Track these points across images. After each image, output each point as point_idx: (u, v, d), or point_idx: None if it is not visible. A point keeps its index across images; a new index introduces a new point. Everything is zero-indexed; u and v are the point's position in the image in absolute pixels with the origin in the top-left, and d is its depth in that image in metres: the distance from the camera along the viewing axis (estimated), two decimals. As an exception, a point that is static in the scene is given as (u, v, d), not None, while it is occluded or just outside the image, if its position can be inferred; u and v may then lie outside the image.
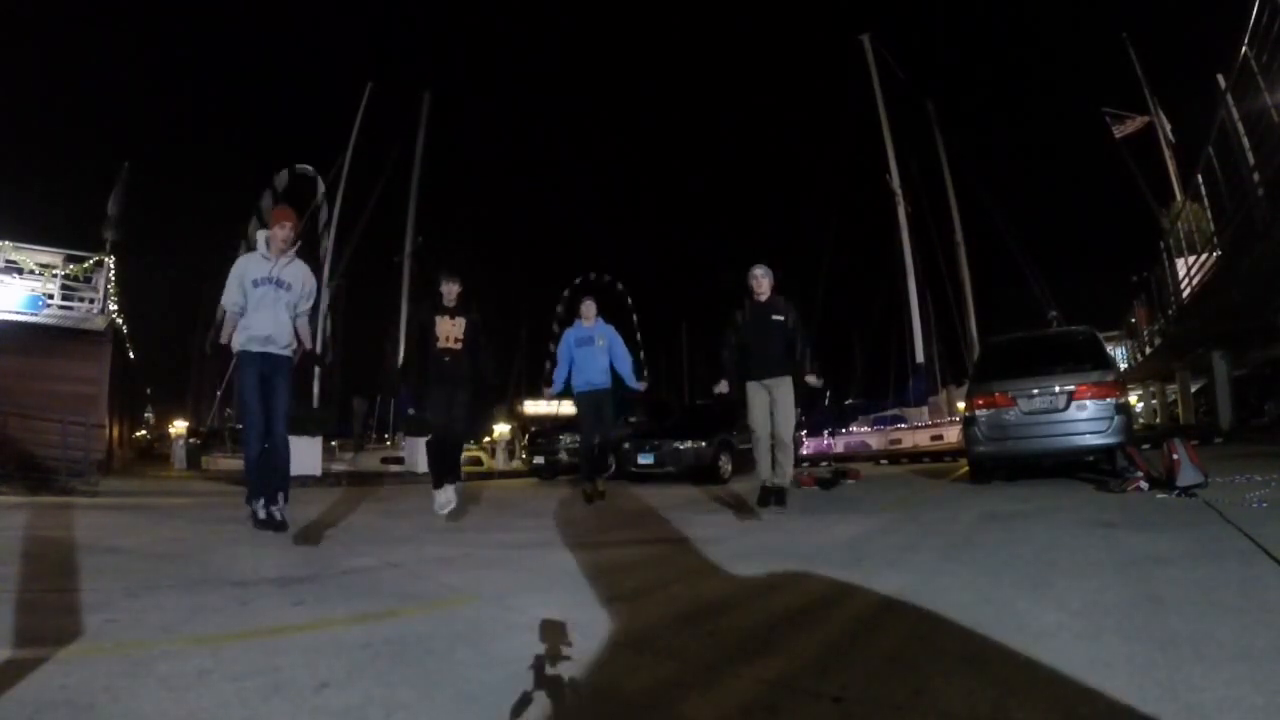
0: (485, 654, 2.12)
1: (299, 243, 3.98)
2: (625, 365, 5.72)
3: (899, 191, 24.48)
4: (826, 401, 25.82)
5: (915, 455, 17.57)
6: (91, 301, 12.51)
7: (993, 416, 7.06)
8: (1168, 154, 19.85)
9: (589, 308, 5.71)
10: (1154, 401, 27.96)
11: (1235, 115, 9.49)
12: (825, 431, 23.11)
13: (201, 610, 2.69)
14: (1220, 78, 10.67)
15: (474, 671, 1.96)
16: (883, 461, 16.49)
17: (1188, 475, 5.25)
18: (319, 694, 1.80)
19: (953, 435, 17.19)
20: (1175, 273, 14.47)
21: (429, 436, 5.16)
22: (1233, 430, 14.47)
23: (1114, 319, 23.33)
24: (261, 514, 3.66)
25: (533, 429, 20.71)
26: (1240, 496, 4.69)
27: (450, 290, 5.14)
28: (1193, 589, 2.48)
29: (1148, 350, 19.27)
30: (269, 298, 3.74)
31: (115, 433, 16.10)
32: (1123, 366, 19.12)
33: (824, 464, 13.84)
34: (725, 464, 10.39)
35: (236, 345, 3.76)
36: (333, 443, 20.08)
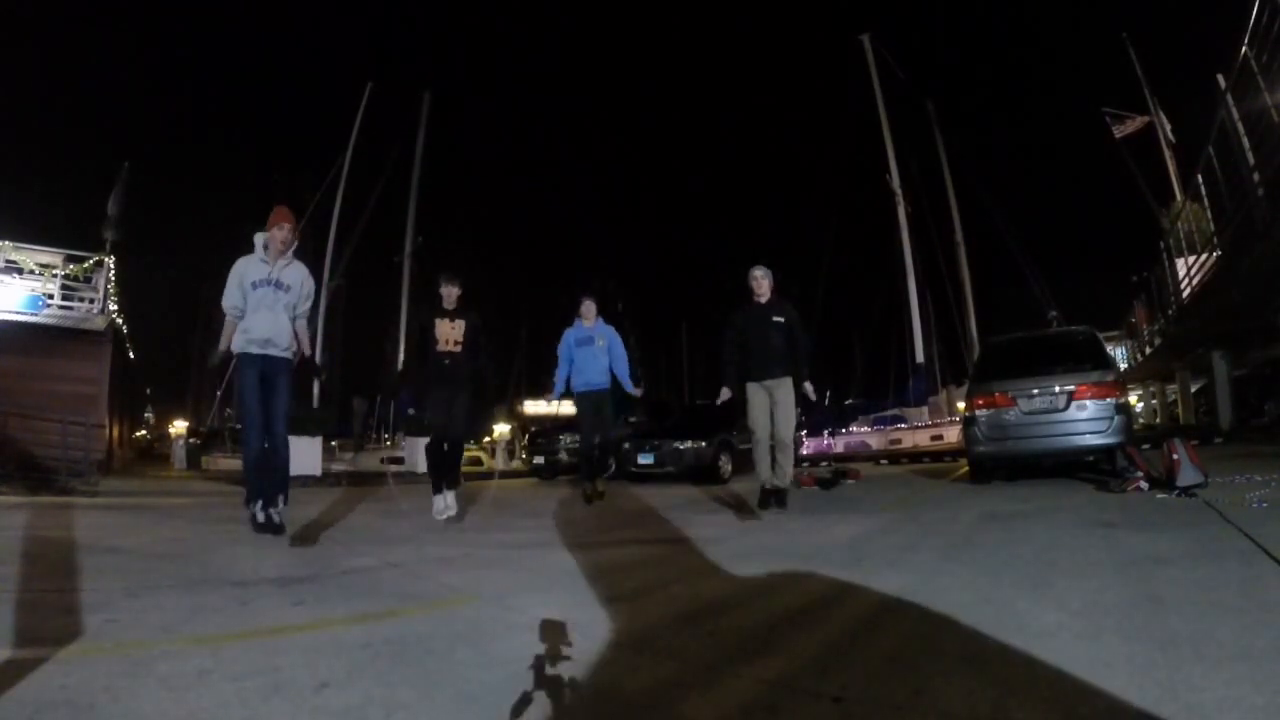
0: (485, 654, 2.12)
1: (295, 243, 3.95)
2: (623, 368, 5.71)
3: (899, 191, 24.49)
4: (826, 402, 25.82)
5: (915, 455, 17.57)
6: (91, 301, 12.51)
7: (993, 416, 7.06)
8: (1168, 154, 19.85)
9: (589, 308, 5.70)
10: (1154, 401, 27.95)
11: (1235, 115, 9.48)
12: (825, 431, 23.11)
13: (201, 610, 2.69)
14: (1220, 78, 10.67)
15: (474, 671, 1.96)
16: (883, 461, 16.50)
17: (1188, 475, 5.25)
18: (319, 694, 1.80)
19: (953, 435, 17.19)
20: (1175, 273, 14.47)
21: (429, 439, 5.15)
22: (1233, 430, 14.46)
23: (1114, 319, 23.36)
24: (260, 517, 3.65)
25: (533, 429, 20.72)
26: (1240, 496, 4.69)
27: (450, 293, 5.14)
28: (1193, 589, 2.48)
29: (1148, 350, 19.27)
30: (268, 299, 3.73)
31: (115, 433, 16.09)
32: (1123, 366, 19.12)
33: (824, 464, 13.84)
34: (725, 464, 10.38)
35: (236, 347, 3.74)
36: (333, 443, 20.08)
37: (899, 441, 20.57)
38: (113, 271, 12.75)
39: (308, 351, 4.05)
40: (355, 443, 23.19)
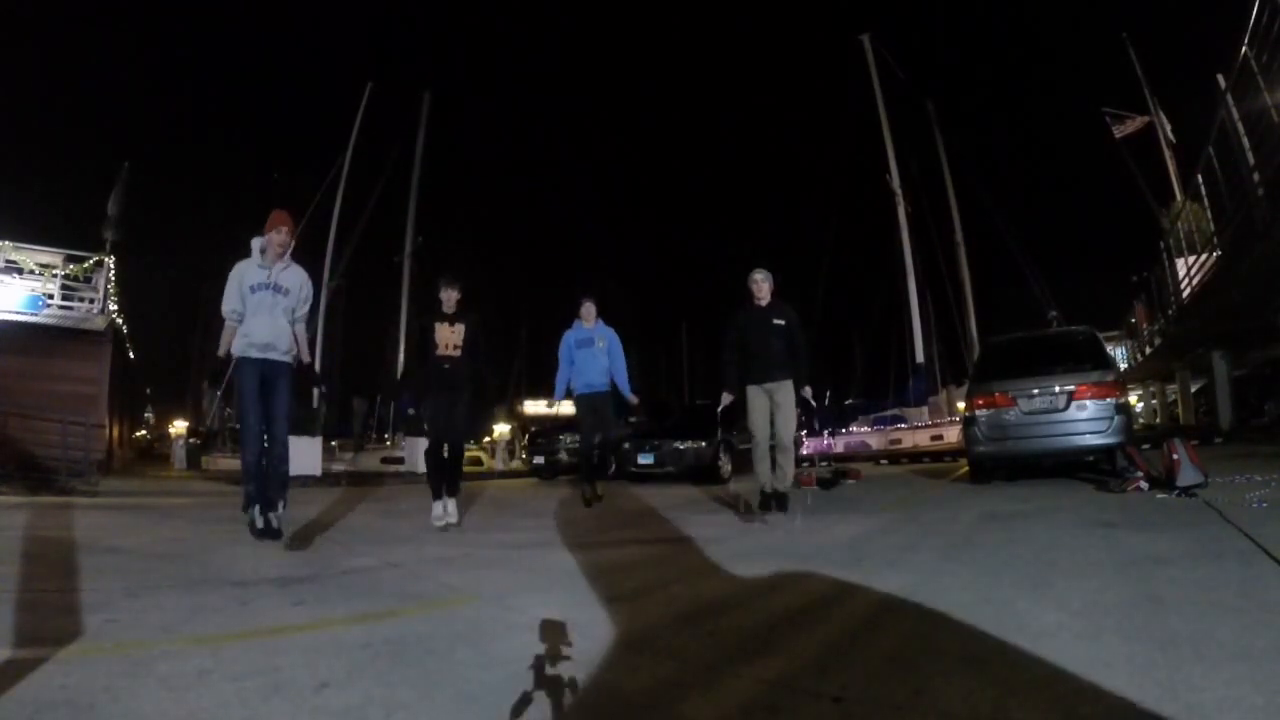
0: (485, 654, 2.12)
1: (292, 246, 3.93)
2: (621, 372, 5.69)
3: (899, 191, 24.48)
4: (826, 402, 25.81)
5: (915, 455, 17.58)
6: (91, 301, 12.51)
7: (993, 416, 7.06)
8: (1168, 154, 19.84)
9: (589, 309, 5.68)
10: (1154, 401, 27.95)
11: (1235, 115, 9.48)
12: (825, 431, 23.12)
13: (201, 610, 2.69)
14: (1220, 78, 10.67)
15: (474, 671, 1.96)
16: (883, 461, 16.52)
17: (1188, 475, 5.25)
18: (319, 694, 1.80)
19: (953, 435, 17.19)
20: (1175, 273, 14.47)
21: (428, 444, 5.12)
22: (1233, 430, 14.46)
23: (1114, 319, 23.35)
24: (260, 523, 3.63)
25: (533, 429, 20.70)
26: (1240, 496, 4.69)
27: (450, 296, 5.14)
28: (1193, 589, 2.49)
29: (1148, 350, 19.27)
30: (266, 303, 3.71)
31: (115, 433, 16.10)
32: (1123, 366, 19.12)
33: (824, 464, 13.84)
34: (725, 464, 10.38)
35: (236, 351, 3.72)
36: (333, 443, 20.08)
37: (899, 441, 20.56)
38: (113, 271, 12.75)
39: (307, 358, 4.03)
40: (355, 443, 23.20)
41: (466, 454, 6.16)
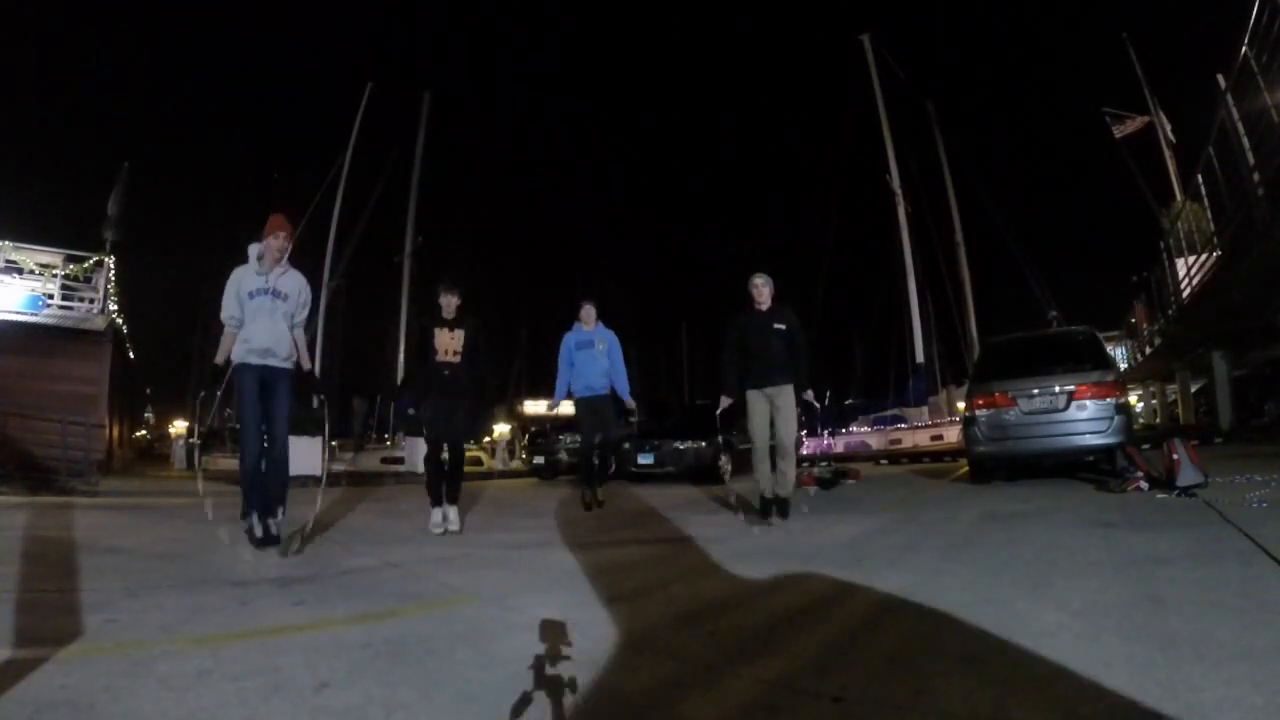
0: (485, 654, 2.12)
1: (289, 250, 3.90)
2: (620, 375, 5.66)
3: (899, 191, 24.47)
4: (826, 403, 25.80)
5: (915, 455, 17.57)
6: (91, 301, 12.50)
7: (993, 416, 7.06)
8: (1168, 154, 19.84)
9: (589, 312, 5.66)
10: (1154, 401, 27.94)
11: (1235, 115, 9.48)
12: (825, 431, 23.12)
13: (201, 610, 2.69)
14: (1220, 78, 10.67)
15: (474, 671, 1.96)
16: (883, 461, 16.51)
17: (1188, 475, 5.25)
18: (319, 694, 1.80)
19: (953, 435, 17.18)
20: (1175, 273, 14.46)
21: (427, 451, 5.10)
22: (1233, 430, 14.46)
23: (1114, 319, 23.34)
24: (259, 531, 3.60)
25: (533, 429, 20.70)
26: (1240, 496, 4.69)
27: (449, 302, 5.14)
28: (1193, 589, 2.48)
29: (1148, 350, 19.26)
30: (265, 308, 3.69)
31: (115, 433, 16.09)
32: (1123, 366, 19.11)
33: (824, 464, 13.84)
34: (725, 464, 10.37)
35: (236, 357, 3.70)
36: (333, 443, 20.07)
37: (899, 441, 20.56)
38: (113, 271, 12.74)
39: (308, 365, 4.00)
40: (355, 443, 23.19)
41: (466, 454, 6.12)
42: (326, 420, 4.66)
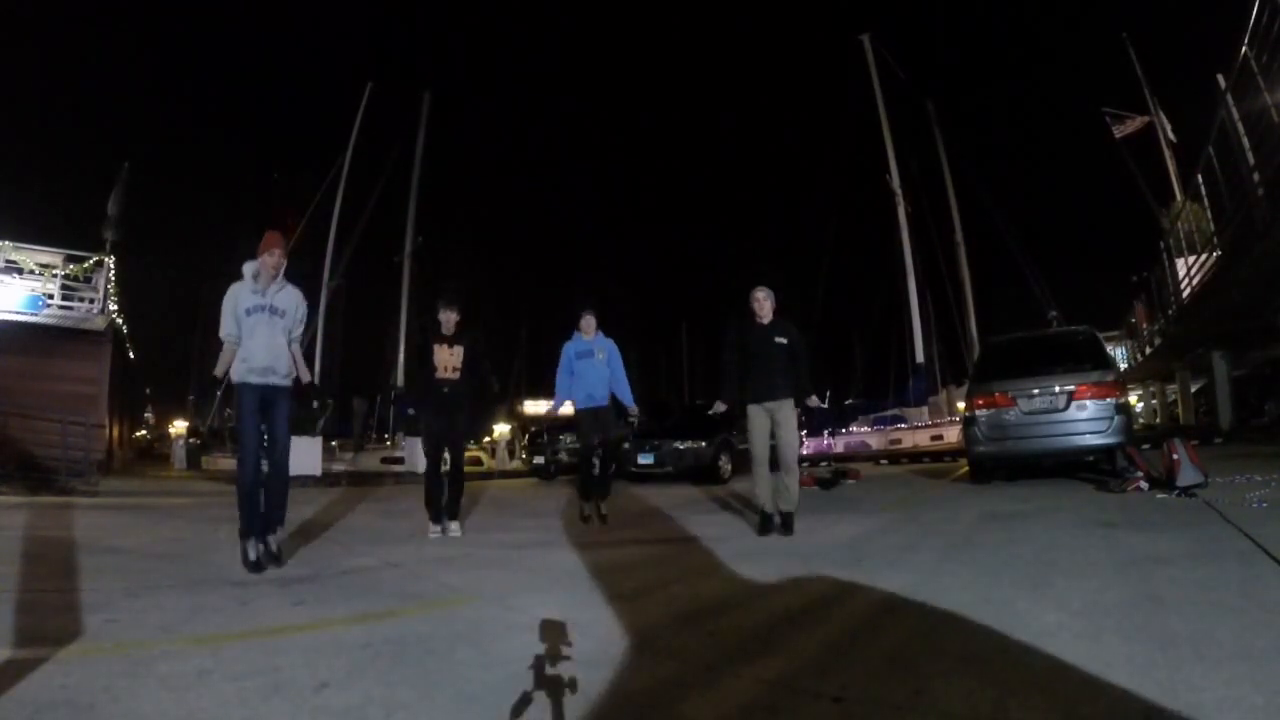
0: (485, 654, 2.12)
1: (284, 266, 3.91)
2: (621, 381, 5.65)
3: (899, 191, 24.44)
4: (826, 403, 25.81)
5: (915, 455, 17.56)
6: (91, 301, 12.49)
7: (993, 416, 7.06)
8: (1168, 154, 19.83)
9: (589, 321, 5.65)
10: (1154, 401, 27.91)
11: (1235, 115, 9.48)
12: (825, 431, 23.11)
13: (201, 610, 2.69)
14: (1220, 78, 10.66)
15: (474, 671, 1.96)
16: (883, 461, 16.50)
17: (1188, 475, 5.25)
18: (319, 694, 1.80)
19: (953, 435, 17.17)
20: (1175, 273, 14.45)
21: (426, 466, 5.10)
22: (1233, 430, 14.45)
23: (1114, 319, 23.31)
24: (252, 555, 3.56)
25: (533, 429, 20.68)
26: (1240, 496, 4.69)
27: (449, 318, 5.15)
28: (1193, 589, 2.49)
29: (1148, 350, 19.25)
30: (263, 324, 3.69)
31: (115, 433, 16.09)
32: (1123, 366, 19.10)
33: (824, 464, 13.84)
34: (725, 464, 10.39)
35: (236, 376, 3.71)
36: (333, 443, 20.07)
37: (899, 441, 20.54)
38: (113, 271, 12.74)
39: (306, 378, 4.00)
40: (355, 443, 23.19)
41: (466, 454, 6.10)
42: (323, 418, 4.66)
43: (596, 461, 5.66)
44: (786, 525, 4.53)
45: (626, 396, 5.68)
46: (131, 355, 17.31)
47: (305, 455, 13.10)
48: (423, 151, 26.11)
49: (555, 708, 1.69)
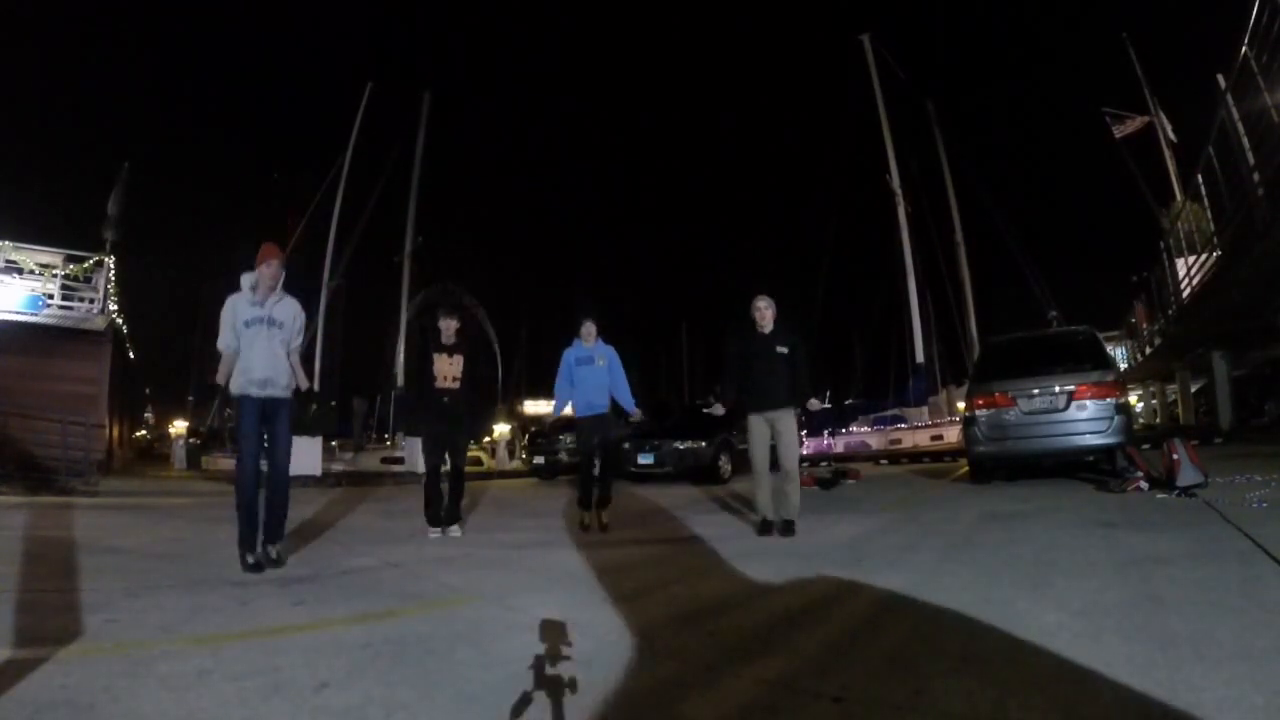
0: (485, 654, 2.12)
1: (282, 277, 3.91)
2: (622, 390, 5.65)
3: (899, 191, 24.44)
4: (826, 403, 25.79)
5: (915, 455, 17.55)
6: (91, 301, 12.49)
7: (993, 416, 7.05)
8: (1168, 154, 19.83)
9: (589, 329, 5.66)
10: (1154, 401, 27.91)
11: (1235, 115, 9.47)
12: (825, 431, 23.11)
13: (201, 610, 2.69)
14: (1220, 78, 10.66)
15: (474, 671, 1.96)
16: (883, 461, 16.49)
17: (1188, 475, 5.25)
18: (319, 694, 1.80)
19: (953, 435, 17.17)
20: (1175, 273, 14.45)
21: (425, 476, 5.10)
22: (1233, 430, 14.44)
23: (1114, 319, 23.30)
24: (250, 559, 3.55)
25: (533, 429, 20.68)
26: (1240, 496, 4.69)
27: (449, 326, 5.16)
28: (1193, 589, 2.49)
29: (1148, 350, 19.25)
30: (262, 336, 3.69)
31: (115, 433, 16.08)
32: (1123, 366, 19.10)
33: (824, 464, 13.83)
34: (725, 464, 10.38)
35: (236, 389, 3.71)
36: (333, 443, 20.08)
37: (899, 441, 20.54)
38: (113, 271, 12.74)
39: (305, 385, 4.00)
40: (355, 443, 23.20)
41: (467, 454, 6.08)
42: (320, 418, 4.66)
43: (597, 462, 5.66)
44: (787, 531, 4.55)
45: (628, 402, 5.68)
46: (131, 355, 17.31)
47: (305, 455, 13.08)
48: (423, 151, 26.08)
49: (555, 708, 1.69)
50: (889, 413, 24.50)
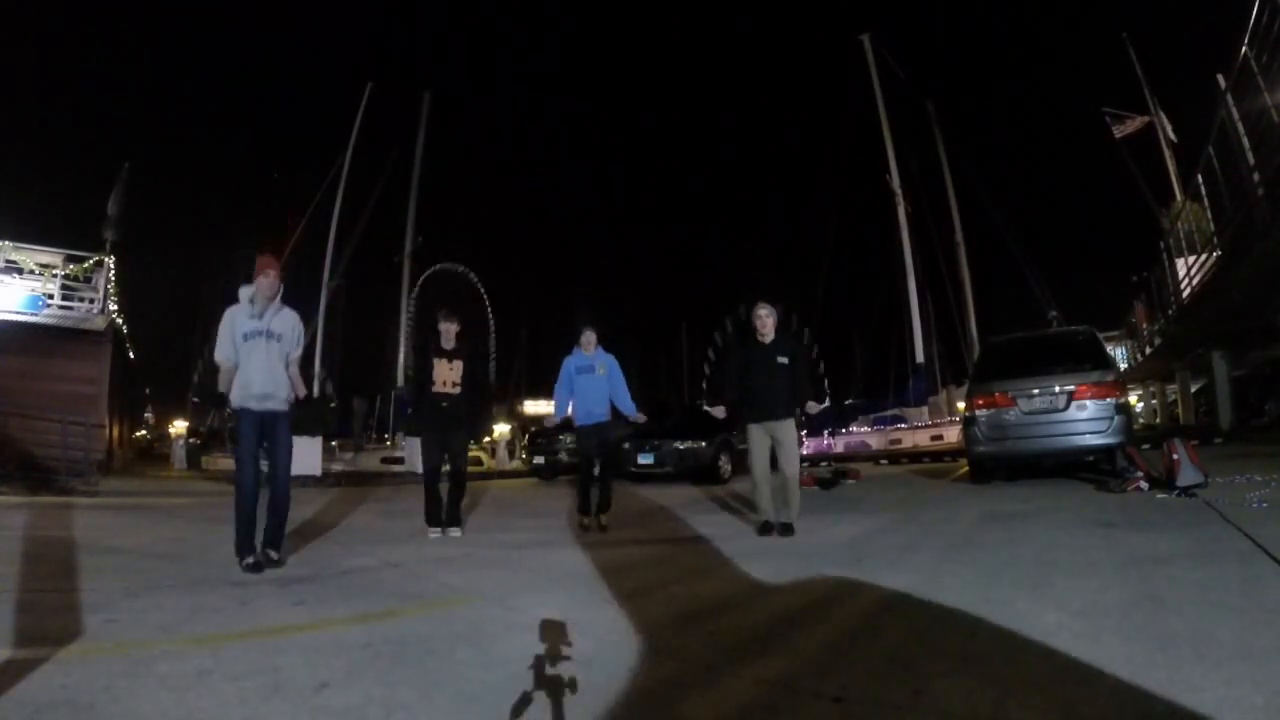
0: (485, 654, 2.12)
1: (280, 288, 3.91)
2: (623, 398, 5.65)
3: (899, 191, 24.47)
4: (827, 403, 25.81)
5: (915, 455, 17.56)
6: (91, 301, 12.49)
7: (993, 416, 7.06)
8: (1168, 154, 19.84)
9: (589, 337, 5.66)
10: (1154, 401, 27.91)
11: (1235, 115, 9.47)
12: (825, 431, 23.12)
13: (201, 610, 2.69)
14: (1220, 78, 10.66)
15: (474, 671, 1.96)
16: (883, 461, 16.50)
17: (1188, 475, 5.25)
18: (319, 694, 1.80)
19: (953, 435, 17.18)
20: (1175, 273, 14.45)
21: (425, 478, 5.10)
22: (1233, 430, 14.44)
23: (1114, 319, 23.30)
24: (250, 559, 3.55)
25: (533, 429, 20.68)
26: (1240, 496, 4.69)
27: (449, 330, 5.17)
28: (1193, 589, 2.48)
29: (1148, 350, 19.25)
30: (260, 349, 3.70)
31: (115, 433, 16.08)
32: (1123, 366, 19.09)
33: (824, 464, 13.84)
34: (725, 464, 10.38)
35: (235, 402, 3.71)
36: (333, 443, 20.08)
37: (899, 441, 20.55)
38: (113, 271, 12.73)
39: (303, 392, 4.00)
40: (355, 443, 23.20)
41: (467, 455, 6.07)
42: (317, 411, 4.65)
43: (596, 464, 5.65)
44: (786, 529, 4.56)
45: (629, 409, 5.67)
46: (131, 355, 17.31)
47: (305, 455, 13.08)
48: (423, 151, 26.14)
49: (555, 708, 1.69)
50: (889, 413, 24.52)
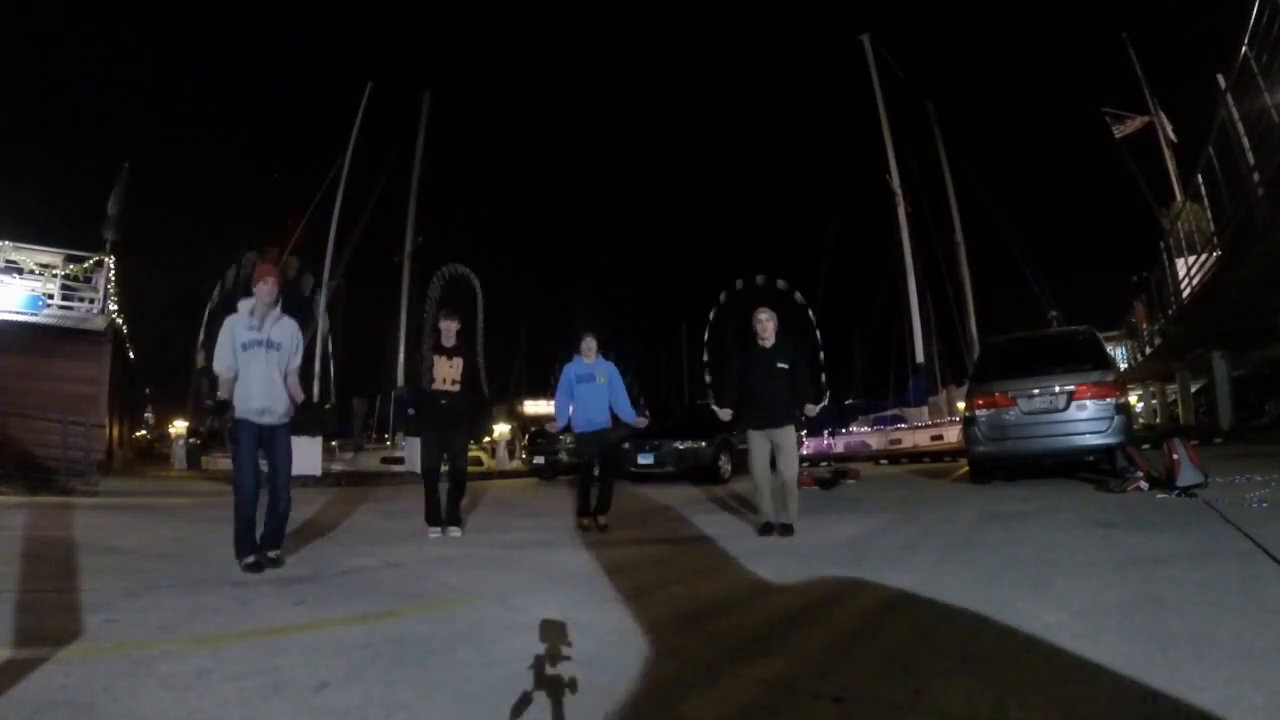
0: (486, 654, 2.12)
1: (279, 296, 3.91)
2: (623, 405, 5.65)
3: (899, 191, 24.48)
4: (827, 403, 25.80)
5: (915, 455, 17.56)
6: (91, 301, 12.48)
7: (993, 416, 7.05)
8: (1168, 154, 19.84)
9: (589, 345, 5.66)
10: (1154, 401, 27.90)
11: (1235, 115, 9.47)
12: (825, 431, 23.12)
13: (201, 610, 2.69)
14: (1220, 78, 10.66)
15: (474, 671, 1.96)
16: (883, 461, 16.50)
17: (1188, 475, 5.25)
18: (319, 694, 1.80)
19: (953, 435, 17.18)
20: (1175, 273, 14.45)
21: (424, 476, 5.10)
22: (1233, 430, 14.44)
23: (1114, 319, 23.31)
24: (249, 559, 3.55)
25: (533, 429, 20.70)
26: (1240, 496, 4.69)
27: (449, 328, 5.18)
28: (1193, 589, 2.48)
29: (1148, 350, 19.25)
30: (259, 359, 3.70)
31: (115, 433, 16.08)
32: (1123, 366, 19.09)
33: (824, 464, 13.84)
34: (725, 464, 10.38)
35: (235, 411, 3.72)
36: (333, 443, 20.08)
37: (899, 441, 20.56)
38: (113, 271, 12.73)
39: (300, 398, 4.00)
40: (355, 443, 23.21)
41: (467, 455, 6.07)
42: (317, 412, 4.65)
43: (597, 464, 5.66)
44: (786, 530, 4.57)
45: (629, 415, 5.68)
46: (131, 355, 17.31)
47: (305, 455, 13.07)
48: (423, 151, 26.16)
49: (555, 708, 1.69)
50: (889, 413, 24.53)
